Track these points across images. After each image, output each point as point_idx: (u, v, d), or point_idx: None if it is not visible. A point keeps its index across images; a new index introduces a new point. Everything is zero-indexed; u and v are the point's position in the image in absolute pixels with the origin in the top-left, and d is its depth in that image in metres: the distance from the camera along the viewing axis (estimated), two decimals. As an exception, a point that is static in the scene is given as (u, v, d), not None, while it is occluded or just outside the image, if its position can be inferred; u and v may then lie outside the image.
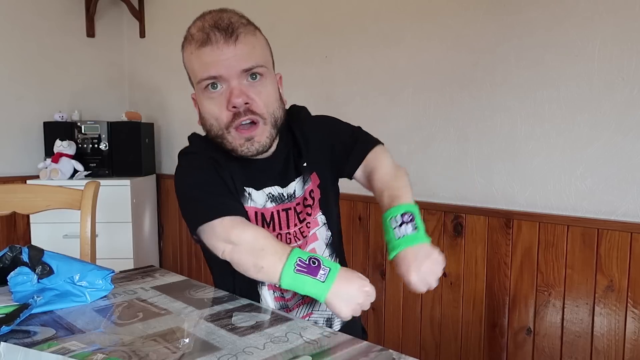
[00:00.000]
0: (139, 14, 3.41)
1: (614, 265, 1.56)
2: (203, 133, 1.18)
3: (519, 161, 1.75)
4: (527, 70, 1.70)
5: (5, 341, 0.79)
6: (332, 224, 1.24)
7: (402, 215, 1.05)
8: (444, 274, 1.95)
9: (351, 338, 0.88)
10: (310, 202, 1.18)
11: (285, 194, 1.16)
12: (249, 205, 1.14)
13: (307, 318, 1.18)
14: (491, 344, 1.85)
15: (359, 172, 1.23)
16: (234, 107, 1.03)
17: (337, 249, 1.25)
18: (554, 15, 1.64)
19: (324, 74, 2.29)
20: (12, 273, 1.05)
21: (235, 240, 1.02)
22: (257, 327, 0.93)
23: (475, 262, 1.87)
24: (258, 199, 1.14)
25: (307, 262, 0.97)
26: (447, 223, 1.93)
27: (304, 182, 1.18)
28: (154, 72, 3.41)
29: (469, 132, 1.87)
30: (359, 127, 1.27)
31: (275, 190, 1.16)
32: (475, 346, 1.89)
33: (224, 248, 1.04)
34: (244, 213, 1.08)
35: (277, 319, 0.97)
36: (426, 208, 1.98)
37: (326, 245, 1.22)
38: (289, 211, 1.16)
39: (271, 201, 1.15)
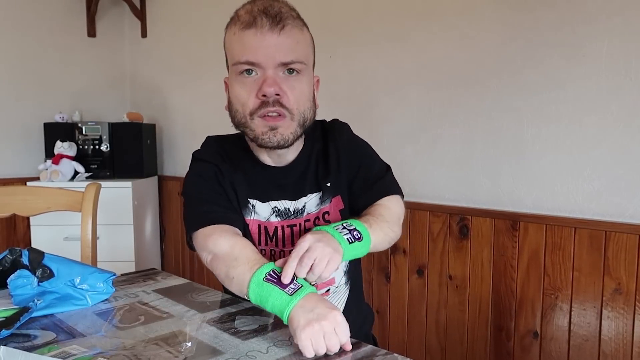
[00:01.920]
0: (140, 14, 3.41)
1: (621, 268, 1.55)
2: (222, 131, 1.18)
3: (526, 162, 1.74)
4: (534, 71, 1.69)
5: (5, 345, 0.79)
6: None
7: (353, 229, 1.01)
8: (450, 277, 1.94)
9: (355, 342, 0.87)
10: (321, 224, 1.13)
11: (292, 209, 1.14)
12: (252, 217, 1.12)
13: None
14: (497, 347, 1.84)
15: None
16: (264, 95, 1.00)
17: (354, 275, 1.23)
18: (561, 15, 1.63)
19: (328, 74, 2.27)
20: (12, 276, 1.04)
21: (212, 248, 1.00)
22: (260, 330, 0.93)
23: (482, 265, 1.85)
24: (262, 211, 1.13)
25: (277, 275, 0.89)
26: (452, 225, 1.92)
27: (322, 201, 1.15)
28: (155, 72, 3.40)
29: (474, 132, 1.86)
30: (389, 167, 1.24)
31: (282, 204, 1.13)
32: (481, 350, 1.88)
33: (206, 257, 1.02)
34: (237, 223, 1.06)
35: (280, 323, 0.95)
36: (431, 210, 1.97)
37: (344, 273, 1.20)
38: (294, 228, 1.13)
39: (276, 215, 1.13)
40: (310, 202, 1.14)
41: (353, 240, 0.98)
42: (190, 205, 1.10)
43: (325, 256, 0.90)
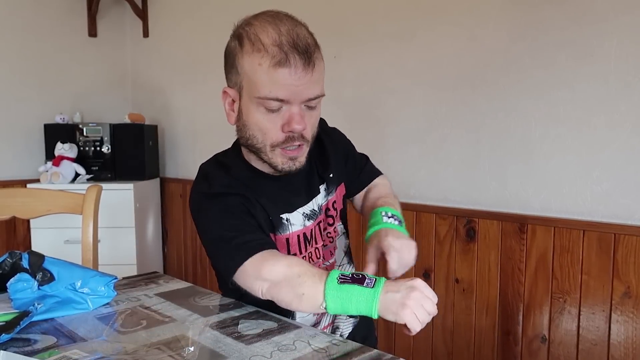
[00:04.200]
0: (142, 13, 3.41)
1: (631, 271, 1.54)
2: (221, 148, 1.20)
3: (533, 164, 1.73)
4: (542, 70, 1.69)
5: (5, 349, 0.79)
6: (348, 232, 1.28)
7: (393, 215, 1.11)
8: (457, 280, 1.93)
9: (360, 346, 0.87)
10: (332, 212, 1.20)
11: (316, 208, 1.17)
12: (290, 231, 1.12)
13: (328, 328, 1.20)
14: (505, 352, 1.83)
15: (360, 194, 1.30)
16: (292, 131, 1.01)
17: (351, 256, 1.30)
18: (569, 14, 1.62)
19: (333, 74, 2.25)
20: (11, 280, 1.04)
21: (268, 276, 0.97)
22: (264, 335, 0.92)
23: (489, 268, 1.85)
24: (297, 221, 1.14)
25: (349, 276, 0.92)
26: (459, 228, 1.91)
27: (328, 193, 1.19)
28: (157, 72, 3.40)
29: (481, 134, 1.85)
30: (366, 155, 1.35)
31: (307, 208, 1.15)
32: (489, 354, 1.87)
33: (261, 287, 0.99)
34: (272, 245, 1.05)
35: (284, 327, 0.96)
36: (438, 212, 1.97)
37: (344, 253, 1.26)
38: (321, 224, 1.18)
39: (308, 219, 1.15)
40: (321, 197, 1.19)
41: (400, 224, 1.09)
42: (223, 242, 1.04)
43: (411, 253, 1.03)
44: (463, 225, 1.90)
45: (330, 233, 1.20)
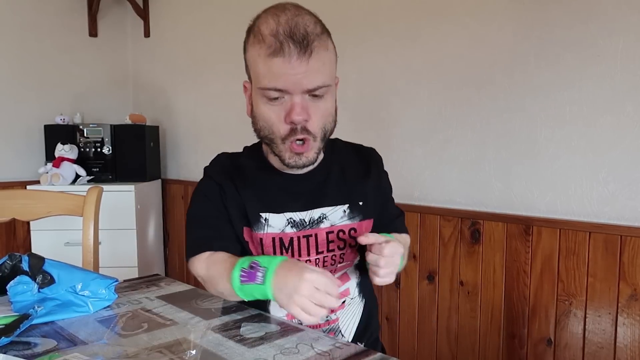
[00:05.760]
0: (143, 13, 3.41)
1: (637, 274, 1.53)
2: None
3: (539, 165, 1.72)
4: (547, 71, 1.68)
5: (4, 353, 0.80)
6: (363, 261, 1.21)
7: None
8: (461, 283, 1.92)
9: (364, 349, 0.87)
10: (346, 238, 1.16)
11: (307, 219, 1.14)
12: (265, 231, 1.12)
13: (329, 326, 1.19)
14: (510, 355, 1.82)
15: None
16: (293, 122, 1.02)
17: (365, 289, 1.26)
18: (575, 13, 1.61)
19: (337, 74, 2.26)
20: (11, 282, 1.04)
21: (200, 273, 1.09)
22: (266, 338, 0.92)
23: (494, 271, 1.84)
24: (276, 223, 1.13)
25: (247, 270, 0.94)
26: (464, 230, 1.91)
27: (349, 217, 1.16)
28: (159, 72, 3.40)
29: (486, 134, 1.84)
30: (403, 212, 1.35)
31: (297, 215, 1.14)
32: (494, 358, 1.86)
33: (201, 281, 1.10)
34: (224, 244, 1.11)
35: (287, 330, 0.96)
36: (442, 214, 1.96)
37: (357, 284, 1.22)
38: (310, 238, 1.14)
39: (292, 226, 1.14)
40: (334, 214, 1.15)
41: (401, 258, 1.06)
42: (191, 227, 1.16)
43: (393, 271, 1.02)
44: (468, 227, 1.89)
45: (335, 257, 1.16)
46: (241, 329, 0.95)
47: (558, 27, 1.64)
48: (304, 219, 1.14)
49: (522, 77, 1.73)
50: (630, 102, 1.52)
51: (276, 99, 1.01)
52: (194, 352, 0.83)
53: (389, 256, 0.99)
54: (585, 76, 1.60)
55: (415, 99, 2.02)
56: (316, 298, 0.87)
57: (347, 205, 1.16)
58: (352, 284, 1.20)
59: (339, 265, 1.17)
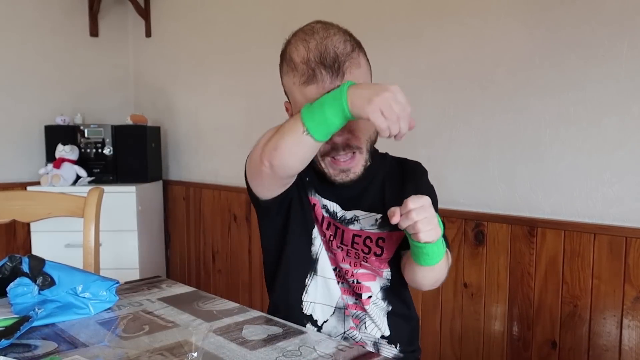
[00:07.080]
0: (144, 13, 3.41)
1: (643, 276, 1.52)
2: None
3: (543, 166, 1.72)
4: (552, 71, 1.67)
5: (5, 355, 0.81)
6: (397, 277, 1.19)
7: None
8: (465, 285, 1.91)
9: (367, 352, 0.88)
10: (377, 251, 1.15)
11: (339, 215, 1.16)
12: (320, 204, 1.17)
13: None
14: (514, 357, 1.81)
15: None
16: (334, 142, 1.05)
17: (391, 294, 1.21)
18: (580, 14, 1.61)
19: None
20: (11, 284, 1.04)
21: (263, 140, 1.03)
22: (268, 340, 0.92)
23: (498, 273, 1.83)
24: (330, 206, 1.17)
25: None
26: (467, 231, 1.90)
27: (380, 226, 1.15)
28: (160, 73, 3.40)
29: (490, 135, 1.84)
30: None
31: (332, 206, 1.16)
32: (498, 360, 1.86)
33: (260, 152, 1.03)
34: None
35: (289, 332, 0.96)
36: (446, 215, 1.95)
37: (380, 288, 1.20)
38: (338, 231, 1.16)
39: (325, 212, 1.17)
40: (366, 220, 1.16)
41: (444, 242, 1.05)
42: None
43: (431, 220, 0.94)
44: (472, 229, 1.89)
45: (358, 254, 1.16)
46: (243, 332, 0.96)
47: (563, 27, 1.64)
48: (336, 212, 1.16)
49: (527, 77, 1.73)
50: (636, 103, 1.52)
51: None
52: (195, 354, 0.83)
53: (415, 208, 0.92)
54: (590, 77, 1.60)
55: (419, 99, 2.01)
56: (397, 104, 0.88)
57: (380, 215, 1.16)
58: (376, 285, 1.18)
59: (362, 264, 1.16)
